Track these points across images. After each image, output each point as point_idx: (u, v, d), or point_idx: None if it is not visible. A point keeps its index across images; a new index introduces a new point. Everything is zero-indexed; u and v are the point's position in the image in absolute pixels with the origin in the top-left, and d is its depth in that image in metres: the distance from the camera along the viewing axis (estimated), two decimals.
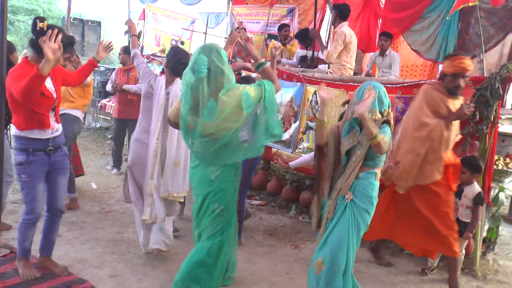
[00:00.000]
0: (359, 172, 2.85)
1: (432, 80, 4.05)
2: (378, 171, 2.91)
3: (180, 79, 3.82)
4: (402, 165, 3.32)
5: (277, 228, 4.82)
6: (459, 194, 3.71)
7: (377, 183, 2.91)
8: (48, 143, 3.14)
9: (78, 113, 5.02)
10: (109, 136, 8.64)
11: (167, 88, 3.70)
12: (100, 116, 9.28)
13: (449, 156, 3.58)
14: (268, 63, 2.99)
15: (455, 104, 3.52)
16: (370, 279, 3.70)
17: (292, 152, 5.16)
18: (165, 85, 3.69)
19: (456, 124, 3.59)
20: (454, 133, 3.57)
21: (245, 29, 7.71)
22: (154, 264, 3.69)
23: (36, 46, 2.93)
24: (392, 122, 2.95)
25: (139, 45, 9.56)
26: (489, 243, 4.31)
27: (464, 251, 3.77)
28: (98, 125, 9.30)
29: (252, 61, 3.10)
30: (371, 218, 2.89)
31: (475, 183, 3.73)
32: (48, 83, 3.11)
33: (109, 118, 9.20)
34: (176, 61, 3.66)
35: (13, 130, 3.10)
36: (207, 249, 2.99)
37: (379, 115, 2.80)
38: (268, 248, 4.22)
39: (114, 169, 6.48)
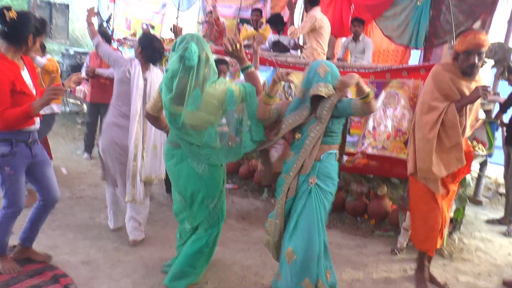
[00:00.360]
0: (319, 153, 2.83)
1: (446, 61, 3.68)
2: (336, 151, 2.92)
3: (155, 66, 3.84)
4: (417, 154, 3.26)
5: (250, 211, 4.85)
6: None
7: (337, 164, 2.94)
8: (29, 135, 3.02)
9: (57, 107, 4.92)
10: (79, 121, 8.46)
11: (144, 73, 3.72)
12: (70, 100, 9.07)
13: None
14: (253, 68, 2.96)
15: (470, 86, 3.18)
16: (342, 260, 3.77)
17: None
18: (142, 71, 3.72)
19: (475, 108, 3.32)
20: (472, 118, 3.32)
21: (215, 7, 7.68)
22: (126, 249, 3.66)
23: (9, 37, 2.80)
24: None
25: (109, 28, 9.43)
26: (455, 223, 4.46)
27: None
28: (68, 110, 9.08)
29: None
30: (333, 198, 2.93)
31: None
32: (27, 79, 2.95)
33: (79, 103, 9.02)
34: (154, 49, 3.69)
35: None
36: (205, 240, 3.07)
37: (333, 90, 2.78)
38: (240, 232, 4.25)
39: (85, 154, 6.36)
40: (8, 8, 2.72)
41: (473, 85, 3.18)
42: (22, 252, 3.28)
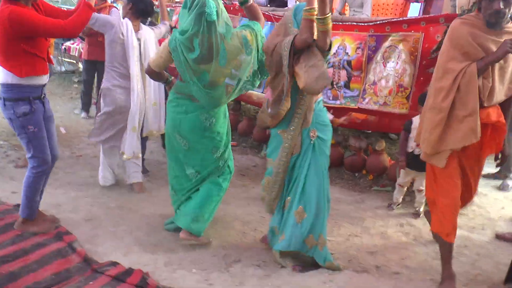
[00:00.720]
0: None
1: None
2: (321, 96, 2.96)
3: (145, 20, 3.77)
4: (424, 124, 2.86)
5: (249, 168, 4.89)
6: (408, 128, 3.77)
7: (325, 109, 2.97)
8: (42, 90, 3.01)
9: None
10: (76, 80, 8.36)
11: (136, 33, 3.71)
12: (65, 59, 8.93)
13: (489, 112, 2.72)
14: (252, 0, 2.94)
15: (499, 40, 2.61)
16: (340, 215, 3.84)
17: (263, 92, 5.14)
18: (134, 30, 3.70)
19: (510, 68, 2.73)
20: (506, 81, 2.74)
21: None
22: (129, 207, 3.71)
23: None
24: None
25: None
26: None
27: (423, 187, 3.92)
28: (63, 69, 8.96)
29: None
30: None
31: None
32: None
33: (75, 62, 8.88)
34: (145, 2, 3.68)
35: (7, 78, 2.84)
36: (220, 187, 3.22)
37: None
38: (240, 188, 4.31)
39: (83, 113, 6.35)
40: None
41: (505, 37, 2.62)
42: None
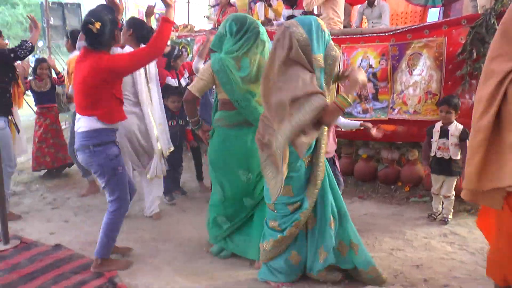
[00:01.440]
0: None
1: None
2: None
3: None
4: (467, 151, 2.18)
5: None
6: (445, 134, 3.76)
7: None
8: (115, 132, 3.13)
9: None
10: None
11: None
12: None
13: None
14: None
15: None
16: (379, 230, 3.72)
17: None
18: None
19: None
20: None
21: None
22: (164, 238, 3.69)
23: (103, 42, 2.87)
24: None
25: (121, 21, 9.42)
26: None
27: (453, 192, 3.82)
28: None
29: None
30: None
31: (455, 121, 3.76)
32: None
33: None
34: (147, 31, 3.79)
35: (94, 124, 2.90)
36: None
37: None
38: None
39: None
40: (90, 22, 2.79)
41: None
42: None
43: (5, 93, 4.00)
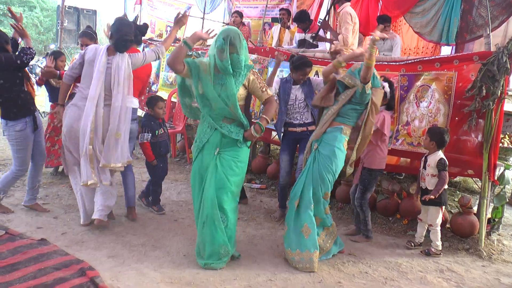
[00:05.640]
0: (328, 126, 3.48)
1: None
2: (345, 127, 3.47)
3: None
4: None
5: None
6: (425, 164, 3.80)
7: (341, 137, 3.44)
8: None
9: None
10: None
11: (109, 55, 3.66)
12: None
13: None
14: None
15: None
16: (374, 259, 3.63)
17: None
18: (107, 53, 3.66)
19: None
20: None
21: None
22: (153, 244, 3.60)
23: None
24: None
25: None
26: (493, 223, 4.23)
27: (438, 222, 3.79)
28: None
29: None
30: (337, 165, 3.42)
31: (439, 152, 3.74)
32: None
33: None
34: (118, 37, 3.65)
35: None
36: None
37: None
38: (269, 230, 4.14)
39: None
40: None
41: None
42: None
43: (19, 95, 3.90)
